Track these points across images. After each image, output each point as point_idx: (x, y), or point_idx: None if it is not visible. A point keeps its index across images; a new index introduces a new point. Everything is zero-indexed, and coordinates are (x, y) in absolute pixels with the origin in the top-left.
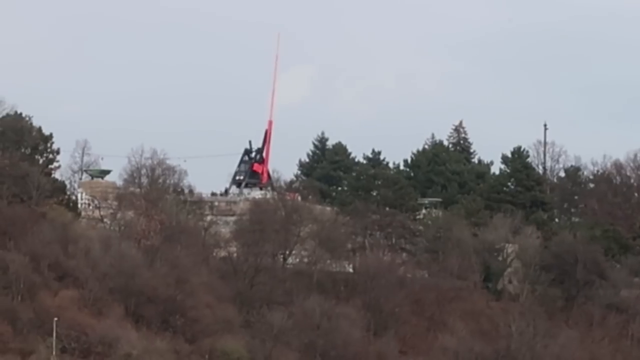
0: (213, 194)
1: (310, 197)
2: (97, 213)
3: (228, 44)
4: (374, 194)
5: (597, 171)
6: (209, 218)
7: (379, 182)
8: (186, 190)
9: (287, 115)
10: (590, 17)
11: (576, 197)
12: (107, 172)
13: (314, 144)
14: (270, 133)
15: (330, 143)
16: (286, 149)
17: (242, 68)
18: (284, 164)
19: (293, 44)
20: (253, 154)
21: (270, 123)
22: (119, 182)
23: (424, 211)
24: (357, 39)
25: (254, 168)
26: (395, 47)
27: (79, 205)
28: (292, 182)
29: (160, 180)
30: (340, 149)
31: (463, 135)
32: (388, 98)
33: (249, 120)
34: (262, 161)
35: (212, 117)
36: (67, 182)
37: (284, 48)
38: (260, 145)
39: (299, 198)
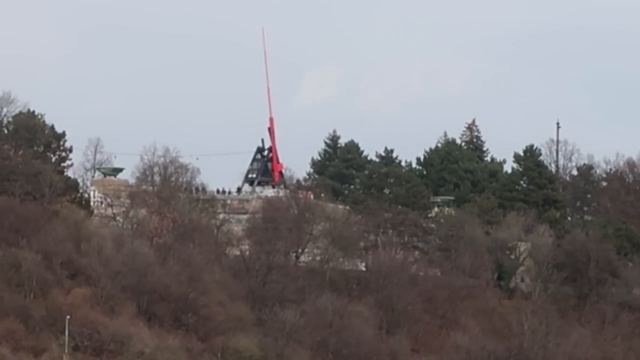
0: (218, 191)
1: (322, 195)
2: (109, 211)
3: (241, 42)
4: (387, 192)
5: (610, 169)
6: (221, 216)
7: (392, 181)
8: (200, 188)
9: (314, 114)
10: (603, 14)
11: (589, 196)
12: (120, 170)
13: (325, 142)
14: (273, 130)
15: (342, 141)
16: (311, 148)
17: (255, 66)
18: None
19: (318, 44)
20: (265, 152)
21: (272, 120)
22: (132, 180)
23: (436, 209)
24: (378, 39)
25: (274, 167)
26: (410, 48)
27: (92, 203)
28: (304, 180)
29: (173, 179)
30: (352, 147)
31: (476, 133)
32: (406, 98)
33: (262, 118)
34: (271, 159)
35: (224, 115)
36: (79, 180)
37: (310, 47)
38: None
39: (312, 196)
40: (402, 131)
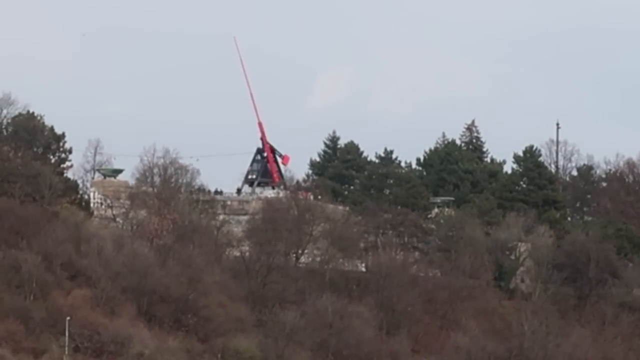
0: (217, 192)
1: (321, 196)
2: (109, 212)
3: (244, 43)
4: (386, 193)
5: (610, 170)
6: (221, 217)
7: (391, 181)
8: (204, 188)
9: (326, 115)
10: (602, 14)
11: (589, 196)
12: (120, 171)
13: (324, 143)
14: (264, 134)
15: (342, 142)
16: (315, 149)
17: (256, 66)
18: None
19: (331, 45)
20: (265, 153)
21: (261, 125)
22: (132, 181)
23: (436, 210)
24: (388, 41)
25: (272, 169)
26: (414, 50)
27: (92, 205)
28: (304, 181)
29: (173, 180)
30: (352, 147)
31: (475, 134)
32: (413, 100)
33: (262, 119)
34: (268, 161)
35: (224, 116)
36: (79, 182)
37: (325, 48)
38: (274, 145)
39: (311, 197)
40: (403, 132)
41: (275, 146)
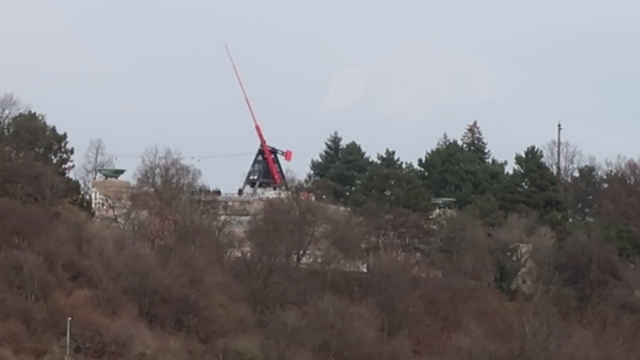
0: (215, 192)
1: (323, 197)
2: (110, 213)
3: (248, 42)
4: (388, 193)
5: (612, 171)
6: (222, 218)
7: (393, 182)
8: (206, 189)
9: (341, 116)
10: (605, 17)
11: (590, 197)
12: (121, 171)
13: (326, 144)
14: (262, 137)
15: (344, 142)
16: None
17: (259, 67)
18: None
19: (346, 48)
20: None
21: (258, 128)
22: (133, 182)
23: (437, 211)
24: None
25: (272, 170)
26: (415, 51)
27: (93, 205)
28: (305, 181)
29: (174, 180)
30: (353, 148)
31: (477, 135)
32: (405, 100)
33: (264, 119)
34: (267, 163)
35: (226, 117)
36: (81, 182)
37: (339, 50)
38: (275, 146)
39: (313, 198)
40: (411, 134)
41: (287, 147)
